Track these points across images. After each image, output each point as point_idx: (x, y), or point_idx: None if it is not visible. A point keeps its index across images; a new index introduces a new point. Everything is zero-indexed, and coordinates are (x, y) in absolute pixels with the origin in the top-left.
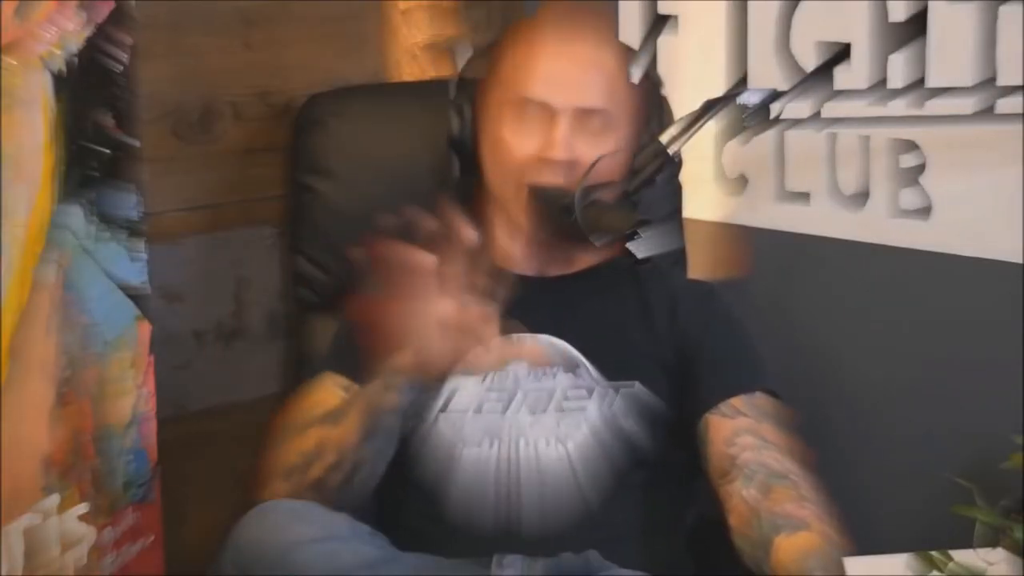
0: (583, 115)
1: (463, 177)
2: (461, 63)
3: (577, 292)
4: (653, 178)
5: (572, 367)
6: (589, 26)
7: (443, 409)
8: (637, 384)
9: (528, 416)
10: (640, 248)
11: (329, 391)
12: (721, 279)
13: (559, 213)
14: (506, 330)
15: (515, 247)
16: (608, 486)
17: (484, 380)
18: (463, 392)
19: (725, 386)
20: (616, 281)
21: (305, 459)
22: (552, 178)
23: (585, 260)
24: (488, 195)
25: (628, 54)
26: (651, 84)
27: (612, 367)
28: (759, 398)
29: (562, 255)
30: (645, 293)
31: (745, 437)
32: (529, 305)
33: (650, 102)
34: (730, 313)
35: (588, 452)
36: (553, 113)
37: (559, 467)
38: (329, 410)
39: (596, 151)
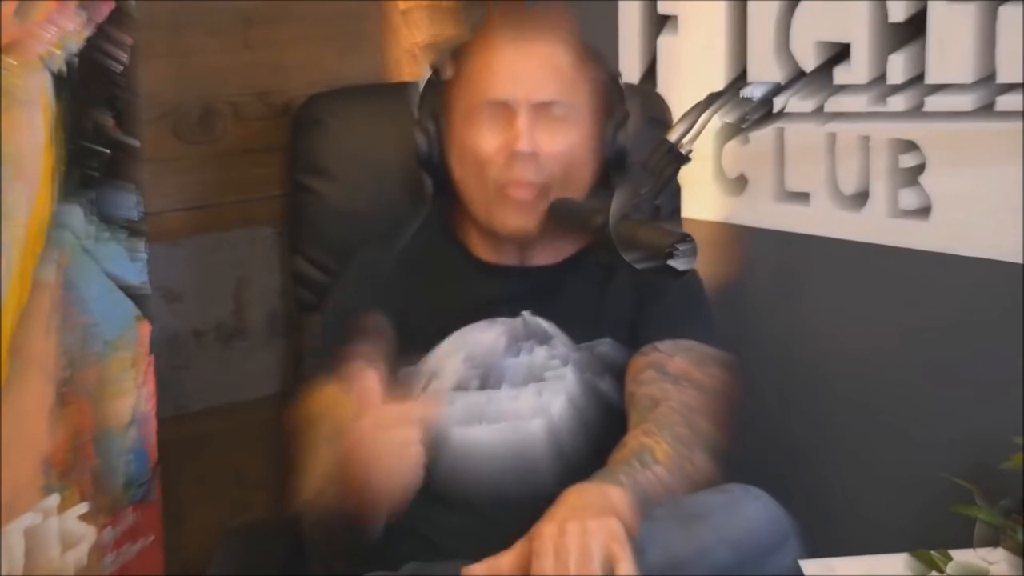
0: (541, 108)
1: (436, 192)
2: (426, 74)
3: (557, 281)
4: (671, 180)
5: (545, 339)
6: (539, 24)
7: (425, 388)
8: (608, 340)
9: (509, 390)
10: (681, 263)
11: (330, 396)
12: (721, 279)
13: (588, 231)
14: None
15: (496, 244)
16: (589, 451)
17: (464, 359)
18: (444, 372)
19: (658, 330)
20: (592, 267)
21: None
22: (520, 172)
23: (566, 249)
24: (464, 204)
25: (584, 48)
26: (609, 76)
27: (585, 334)
28: (687, 341)
29: (545, 246)
30: (618, 274)
31: (648, 372)
32: (512, 295)
33: (610, 93)
34: (692, 280)
35: (568, 420)
36: (512, 109)
37: (541, 438)
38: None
39: (558, 141)
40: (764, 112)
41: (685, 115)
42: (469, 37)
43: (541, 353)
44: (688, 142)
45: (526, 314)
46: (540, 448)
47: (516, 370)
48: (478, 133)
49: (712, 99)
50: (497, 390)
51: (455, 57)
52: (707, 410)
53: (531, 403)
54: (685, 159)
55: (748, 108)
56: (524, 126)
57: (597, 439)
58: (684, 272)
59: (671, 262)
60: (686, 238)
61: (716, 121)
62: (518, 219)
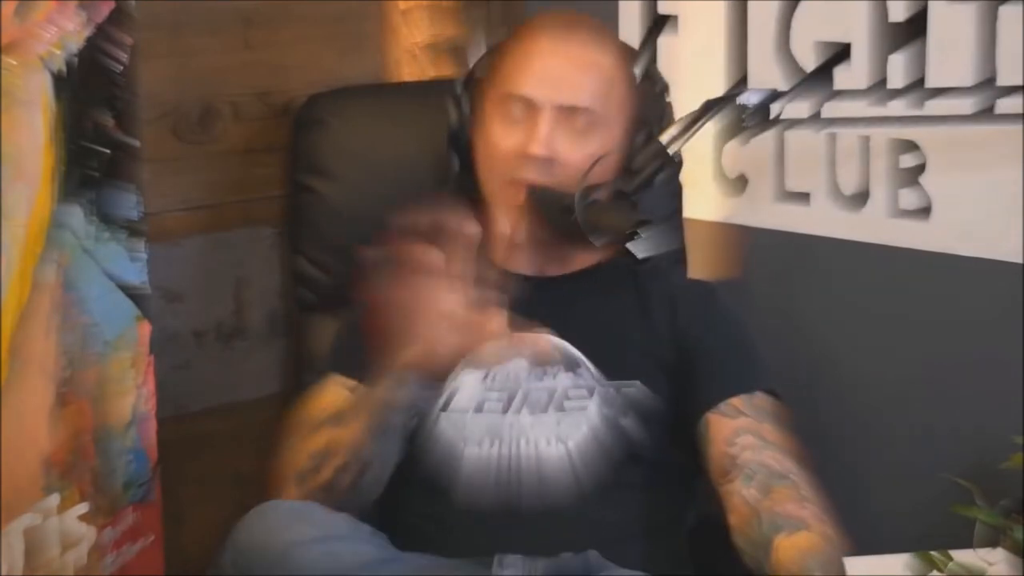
0: (567, 113)
1: (462, 173)
2: (472, 61)
3: (575, 292)
4: (653, 178)
5: (572, 367)
6: (587, 27)
7: (444, 408)
8: (637, 383)
9: (529, 416)
10: (640, 248)
11: (336, 393)
12: (721, 279)
13: (559, 213)
14: (512, 326)
15: (512, 246)
16: (608, 485)
17: (484, 379)
18: (464, 391)
19: (725, 386)
20: (614, 281)
21: (315, 461)
22: (532, 174)
23: (583, 260)
24: (479, 193)
25: (630, 57)
26: (653, 89)
27: (612, 366)
28: (759, 398)
29: (559, 255)
30: (645, 292)
31: (745, 437)
32: (528, 304)
33: (649, 106)
34: (731, 313)
35: (588, 451)
36: (536, 110)
37: (560, 466)
38: (337, 411)
39: (579, 150)
40: (762, 118)
41: (681, 120)
42: (517, 30)
43: (566, 381)
44: (678, 146)
45: (553, 338)
46: (558, 473)
47: (538, 395)
48: (500, 127)
49: (709, 106)
50: (517, 414)
51: (493, 54)
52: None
53: (551, 430)
54: (671, 161)
55: (745, 114)
56: (543, 129)
57: (618, 469)
58: (684, 277)
59: (629, 245)
60: (648, 223)
61: (715, 123)
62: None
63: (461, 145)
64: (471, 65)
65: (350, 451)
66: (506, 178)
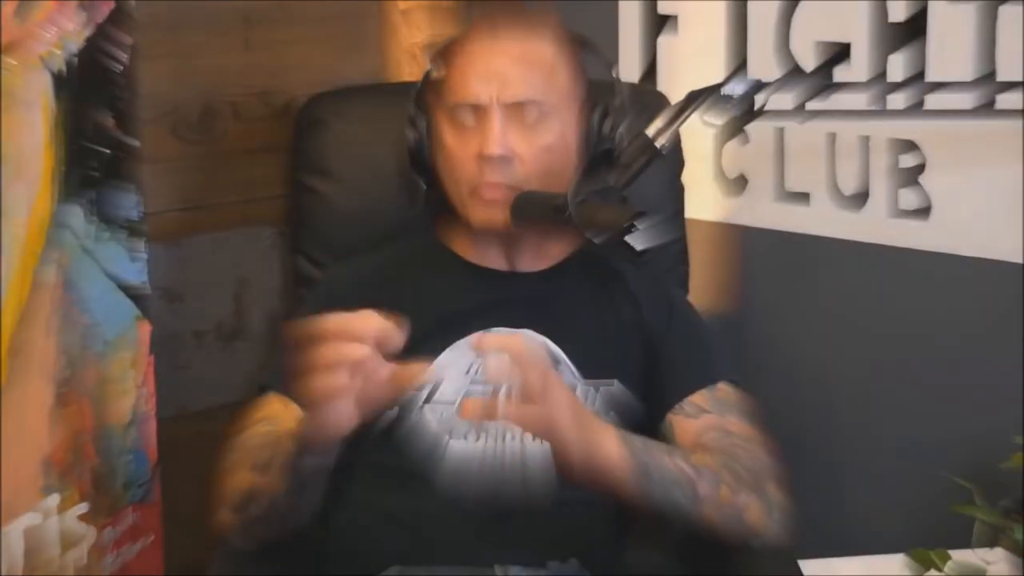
0: (515, 109)
1: (430, 190)
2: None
3: (550, 288)
4: (641, 172)
5: (553, 364)
6: (523, 21)
7: (427, 400)
8: (616, 383)
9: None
10: (638, 241)
11: (274, 409)
12: (719, 280)
13: (551, 213)
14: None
15: (483, 247)
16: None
17: (468, 372)
18: (447, 384)
19: (686, 384)
20: (583, 275)
21: (243, 501)
22: (491, 175)
23: (555, 254)
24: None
25: (570, 40)
26: (600, 67)
27: (589, 364)
28: (721, 390)
29: (533, 249)
30: (610, 288)
31: (711, 434)
32: (503, 301)
33: (599, 90)
34: (685, 303)
35: None
36: (485, 111)
37: (543, 461)
38: (263, 456)
39: (535, 143)
40: (747, 108)
41: (666, 111)
42: (457, 35)
43: None
44: (665, 138)
45: (533, 334)
46: (541, 468)
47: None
48: (454, 134)
49: (693, 96)
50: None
51: (444, 55)
52: (775, 470)
53: None
54: (658, 153)
55: (730, 105)
56: (495, 129)
57: None
58: (643, 252)
59: (628, 238)
60: (644, 215)
61: (714, 124)
62: (490, 214)
63: (423, 162)
64: (425, 72)
65: (269, 501)
66: (471, 185)
